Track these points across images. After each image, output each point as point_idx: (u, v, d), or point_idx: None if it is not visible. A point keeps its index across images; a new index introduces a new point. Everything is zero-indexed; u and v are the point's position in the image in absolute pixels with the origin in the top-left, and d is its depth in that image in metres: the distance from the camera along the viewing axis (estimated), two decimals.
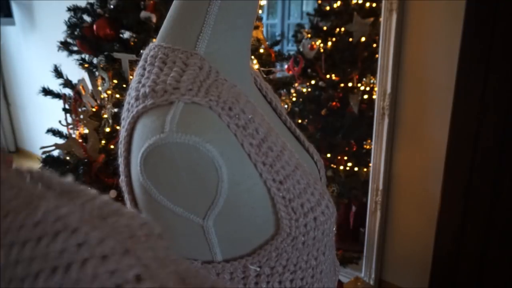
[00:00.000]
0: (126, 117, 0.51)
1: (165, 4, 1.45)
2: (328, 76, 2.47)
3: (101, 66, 1.49)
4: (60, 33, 1.62)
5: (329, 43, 2.45)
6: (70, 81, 1.62)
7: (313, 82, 2.51)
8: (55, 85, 1.68)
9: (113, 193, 1.35)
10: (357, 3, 2.36)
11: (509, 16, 1.52)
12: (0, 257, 0.30)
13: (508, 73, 1.56)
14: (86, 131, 1.51)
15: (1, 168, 0.30)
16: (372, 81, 2.37)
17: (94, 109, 1.52)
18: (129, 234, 0.33)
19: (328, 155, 2.50)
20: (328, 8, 2.46)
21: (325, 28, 2.47)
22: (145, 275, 0.32)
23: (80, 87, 1.53)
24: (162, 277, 0.32)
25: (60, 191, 0.33)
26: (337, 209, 0.56)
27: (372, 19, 2.29)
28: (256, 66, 1.66)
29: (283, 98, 2.00)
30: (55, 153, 1.55)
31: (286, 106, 1.91)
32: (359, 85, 2.41)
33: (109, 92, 1.48)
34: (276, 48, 2.00)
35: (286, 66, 2.39)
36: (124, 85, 1.45)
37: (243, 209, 0.48)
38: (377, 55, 2.09)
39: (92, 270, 0.30)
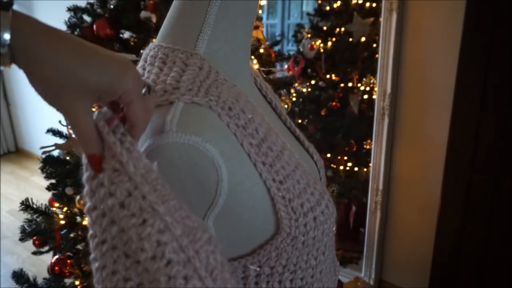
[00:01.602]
0: None
1: (165, 4, 1.45)
2: (328, 76, 2.48)
3: None
4: None
5: (329, 43, 2.45)
6: None
7: (313, 82, 2.52)
8: None
9: None
10: (357, 3, 2.36)
11: (509, 16, 1.52)
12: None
13: (508, 73, 1.56)
14: None
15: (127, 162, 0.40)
16: (372, 81, 2.37)
17: (94, 109, 1.52)
18: (215, 273, 0.42)
19: (328, 155, 2.50)
20: (328, 8, 2.46)
21: (325, 28, 2.47)
22: None
23: None
24: None
25: (173, 208, 0.41)
26: (337, 209, 0.56)
27: (372, 19, 2.29)
28: (256, 66, 1.66)
29: (283, 98, 2.00)
30: (55, 153, 1.55)
31: (286, 106, 1.91)
32: (359, 85, 2.41)
33: None
34: (276, 48, 2.00)
35: (286, 66, 2.39)
36: None
37: (243, 209, 0.48)
38: (377, 55, 2.09)
39: None
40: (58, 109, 0.39)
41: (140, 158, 0.41)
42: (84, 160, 0.42)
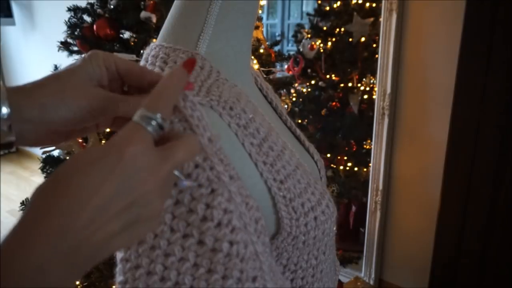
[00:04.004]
0: None
1: (165, 4, 1.45)
2: (328, 76, 2.48)
3: None
4: (60, 33, 1.62)
5: (329, 43, 2.45)
6: None
7: (313, 82, 2.52)
8: None
9: None
10: (357, 3, 2.36)
11: (509, 17, 1.53)
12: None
13: (508, 73, 1.56)
14: None
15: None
16: (372, 81, 2.37)
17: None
18: (263, 235, 0.43)
19: (328, 155, 2.50)
20: (328, 8, 2.46)
21: (325, 28, 2.47)
22: None
23: None
24: None
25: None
26: (337, 209, 0.57)
27: (372, 19, 2.30)
28: (256, 66, 1.66)
29: (283, 98, 2.00)
30: (55, 153, 1.55)
31: (286, 106, 1.91)
32: (359, 85, 2.41)
33: None
34: (276, 48, 2.00)
35: (286, 66, 2.39)
36: None
37: None
38: (377, 55, 2.09)
39: (232, 264, 0.39)
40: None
41: (208, 126, 0.42)
42: None
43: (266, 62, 1.72)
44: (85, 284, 1.53)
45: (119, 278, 0.41)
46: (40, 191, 0.30)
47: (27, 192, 3.33)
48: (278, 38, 4.10)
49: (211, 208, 0.40)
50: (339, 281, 1.97)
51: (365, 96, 2.39)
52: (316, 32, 2.49)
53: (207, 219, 0.40)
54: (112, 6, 1.48)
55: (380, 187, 2.16)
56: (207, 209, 0.40)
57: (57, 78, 0.38)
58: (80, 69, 0.39)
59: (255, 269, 0.41)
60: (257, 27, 1.76)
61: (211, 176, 0.41)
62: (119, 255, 0.42)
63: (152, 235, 0.41)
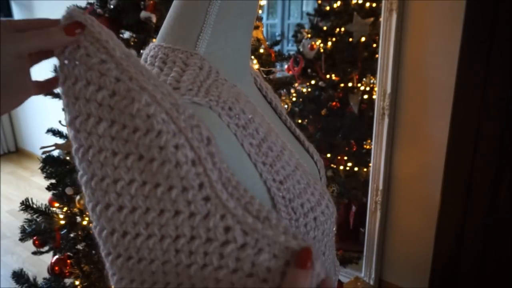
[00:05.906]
0: None
1: (165, 4, 1.45)
2: (328, 76, 2.47)
3: None
4: None
5: (329, 43, 2.45)
6: None
7: (313, 82, 2.52)
8: None
9: None
10: (357, 3, 2.36)
11: (509, 16, 1.52)
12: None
13: (508, 73, 1.56)
14: None
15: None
16: (372, 81, 2.37)
17: None
18: (204, 144, 0.41)
19: (328, 155, 2.50)
20: (328, 8, 2.46)
21: (325, 28, 2.47)
22: (212, 196, 0.40)
23: None
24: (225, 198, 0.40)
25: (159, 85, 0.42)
26: (337, 209, 0.56)
27: (372, 19, 2.29)
28: (256, 66, 1.66)
29: (283, 98, 2.00)
30: (55, 153, 1.55)
31: (286, 106, 1.91)
32: (359, 85, 2.41)
33: None
34: (276, 48, 2.00)
35: (286, 66, 2.38)
36: None
37: None
38: (377, 55, 2.09)
39: (167, 172, 0.39)
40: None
41: (121, 45, 0.42)
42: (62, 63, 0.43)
43: (266, 62, 1.72)
44: (85, 284, 1.53)
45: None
46: None
47: (27, 192, 3.32)
48: (278, 38, 4.10)
49: (135, 118, 0.40)
50: (339, 281, 1.97)
51: (365, 96, 2.39)
52: (316, 32, 2.49)
53: (137, 129, 0.40)
54: (112, 6, 1.48)
55: (380, 187, 2.16)
56: (132, 120, 0.39)
57: None
58: None
59: (200, 174, 0.40)
60: (257, 27, 1.75)
61: (131, 86, 0.40)
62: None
63: (99, 164, 0.42)
